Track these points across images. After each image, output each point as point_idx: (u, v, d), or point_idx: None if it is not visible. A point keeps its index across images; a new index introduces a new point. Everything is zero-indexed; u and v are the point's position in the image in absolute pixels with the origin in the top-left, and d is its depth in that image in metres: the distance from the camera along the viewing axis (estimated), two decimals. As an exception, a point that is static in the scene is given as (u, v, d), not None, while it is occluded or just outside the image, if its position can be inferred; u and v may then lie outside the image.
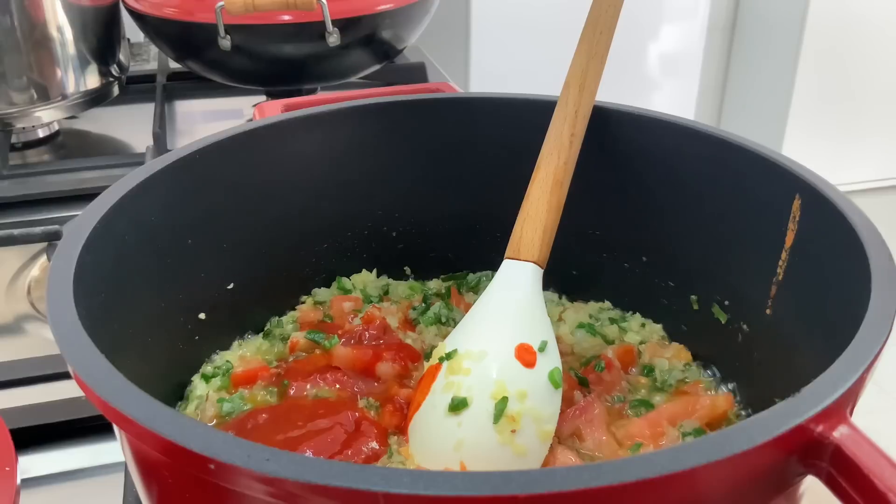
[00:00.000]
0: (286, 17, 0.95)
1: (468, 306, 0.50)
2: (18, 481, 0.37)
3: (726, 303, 0.51)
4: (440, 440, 0.44)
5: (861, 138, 2.40)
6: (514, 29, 1.95)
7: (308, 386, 0.49)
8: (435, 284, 0.61)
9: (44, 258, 0.80)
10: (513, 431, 0.42)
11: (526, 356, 0.45)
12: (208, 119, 1.20)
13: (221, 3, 0.91)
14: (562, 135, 0.50)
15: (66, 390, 0.59)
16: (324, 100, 0.75)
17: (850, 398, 0.30)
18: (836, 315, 0.38)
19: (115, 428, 0.33)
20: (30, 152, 1.06)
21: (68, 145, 1.10)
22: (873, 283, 0.35)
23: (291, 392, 0.49)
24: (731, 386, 0.51)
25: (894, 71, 2.26)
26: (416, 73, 1.21)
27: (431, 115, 0.58)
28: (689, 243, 0.52)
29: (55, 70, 0.97)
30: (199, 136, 0.51)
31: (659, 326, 0.56)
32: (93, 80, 1.02)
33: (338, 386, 0.50)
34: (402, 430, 0.46)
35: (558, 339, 0.53)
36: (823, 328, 0.40)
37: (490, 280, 0.50)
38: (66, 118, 1.09)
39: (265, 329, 0.56)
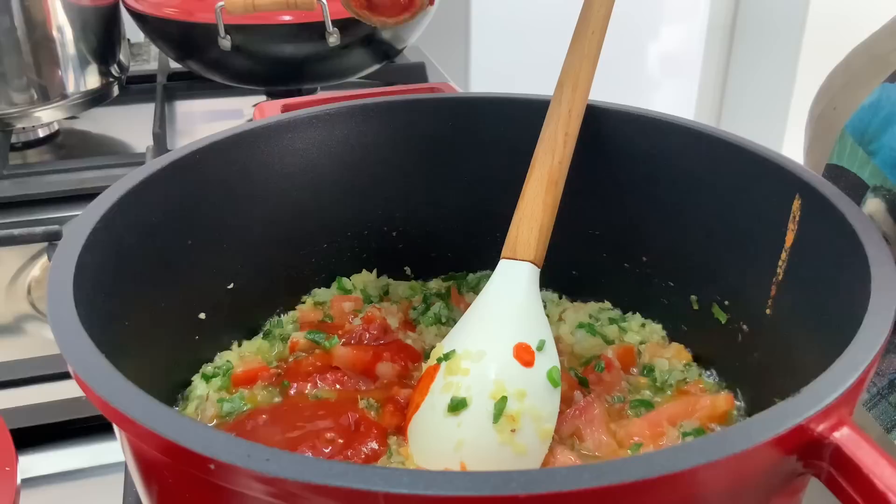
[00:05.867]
0: (286, 17, 0.95)
1: (468, 306, 0.50)
2: (18, 481, 0.37)
3: (726, 303, 0.51)
4: (440, 441, 0.44)
5: (861, 138, 2.39)
6: (514, 29, 1.95)
7: (308, 386, 0.49)
8: (435, 284, 0.61)
9: (44, 258, 0.80)
10: (512, 431, 0.42)
11: (524, 355, 0.45)
12: (208, 119, 1.20)
13: (221, 3, 0.91)
14: (556, 134, 0.50)
15: (66, 390, 0.59)
16: (324, 100, 0.75)
17: (850, 398, 0.30)
18: (836, 315, 0.38)
19: (115, 428, 0.33)
20: (30, 152, 1.07)
21: (68, 145, 1.10)
22: (873, 283, 0.35)
23: (291, 392, 0.49)
24: (731, 386, 0.51)
25: (894, 71, 2.26)
26: (416, 73, 1.21)
27: (431, 115, 0.58)
28: (689, 243, 0.52)
29: (55, 70, 0.97)
30: (199, 136, 0.51)
31: (659, 326, 0.56)
32: (93, 80, 1.02)
33: (338, 386, 0.50)
34: (402, 430, 0.46)
35: (558, 339, 0.53)
36: (823, 328, 0.40)
37: (490, 280, 0.50)
38: (66, 118, 1.09)
39: (265, 329, 0.56)
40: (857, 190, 0.45)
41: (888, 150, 0.46)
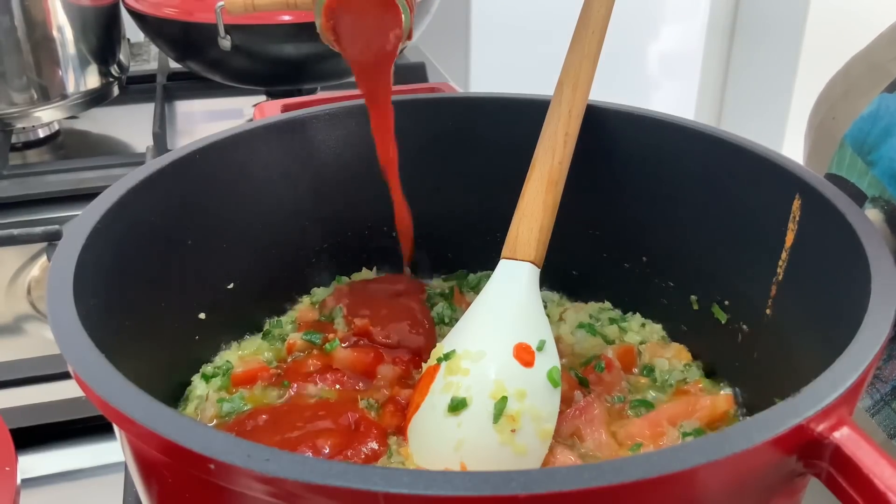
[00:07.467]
0: (286, 17, 0.95)
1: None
2: (18, 481, 0.37)
3: (726, 303, 0.51)
4: (440, 441, 0.44)
5: (861, 138, 2.39)
6: (514, 29, 1.95)
7: (308, 386, 0.49)
8: (436, 284, 0.61)
9: (44, 258, 0.80)
10: (513, 431, 0.42)
11: (524, 356, 0.45)
12: (208, 119, 1.20)
13: (221, 3, 0.91)
14: (556, 134, 0.50)
15: (66, 390, 0.59)
16: (324, 100, 0.75)
17: (850, 398, 0.30)
18: (836, 315, 0.38)
19: (115, 428, 0.33)
20: (30, 152, 1.07)
21: (68, 145, 1.10)
22: (873, 283, 0.35)
23: (291, 392, 0.49)
24: (731, 386, 0.51)
25: (894, 71, 2.25)
26: (416, 73, 1.21)
27: (431, 115, 0.58)
28: (688, 243, 0.52)
29: (55, 70, 0.97)
30: (199, 136, 0.51)
31: (659, 326, 0.56)
32: (93, 80, 1.02)
33: (338, 386, 0.50)
34: (402, 430, 0.46)
35: (558, 339, 0.53)
36: (823, 328, 0.40)
37: (490, 280, 0.50)
38: (66, 118, 1.09)
39: (265, 329, 0.56)
40: (855, 200, 0.45)
41: (887, 161, 0.46)
